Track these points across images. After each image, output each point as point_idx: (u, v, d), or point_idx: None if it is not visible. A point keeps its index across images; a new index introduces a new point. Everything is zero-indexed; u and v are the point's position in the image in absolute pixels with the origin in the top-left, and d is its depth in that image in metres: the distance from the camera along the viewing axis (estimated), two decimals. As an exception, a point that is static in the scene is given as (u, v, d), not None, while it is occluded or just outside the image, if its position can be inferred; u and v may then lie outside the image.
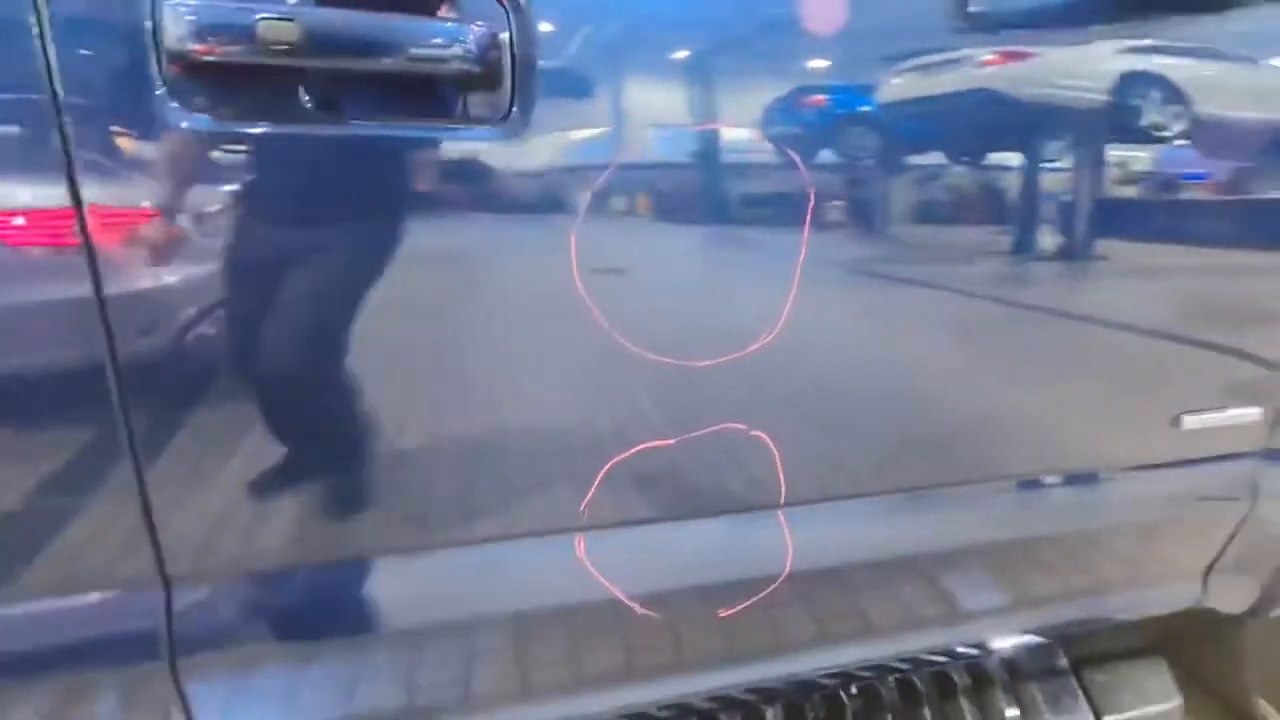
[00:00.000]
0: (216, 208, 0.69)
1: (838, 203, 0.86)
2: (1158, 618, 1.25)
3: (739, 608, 0.99)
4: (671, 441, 0.89)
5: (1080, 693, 1.21)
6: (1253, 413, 1.10)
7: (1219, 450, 1.12)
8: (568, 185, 0.78)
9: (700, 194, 0.83)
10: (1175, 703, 1.22)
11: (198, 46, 0.63)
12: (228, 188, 0.69)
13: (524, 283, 0.79)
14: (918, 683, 1.19)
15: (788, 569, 0.98)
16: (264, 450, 0.75)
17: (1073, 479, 1.11)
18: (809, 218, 0.83)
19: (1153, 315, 1.02)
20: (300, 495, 0.78)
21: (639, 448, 0.88)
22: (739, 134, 0.81)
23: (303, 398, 0.76)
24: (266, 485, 0.76)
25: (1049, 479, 1.09)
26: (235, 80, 0.67)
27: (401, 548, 0.84)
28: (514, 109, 0.73)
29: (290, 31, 0.64)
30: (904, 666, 1.21)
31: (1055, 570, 1.14)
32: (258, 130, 0.68)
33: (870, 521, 1.03)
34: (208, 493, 0.74)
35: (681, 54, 0.81)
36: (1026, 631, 1.20)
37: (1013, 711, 1.18)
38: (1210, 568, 1.22)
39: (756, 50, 0.82)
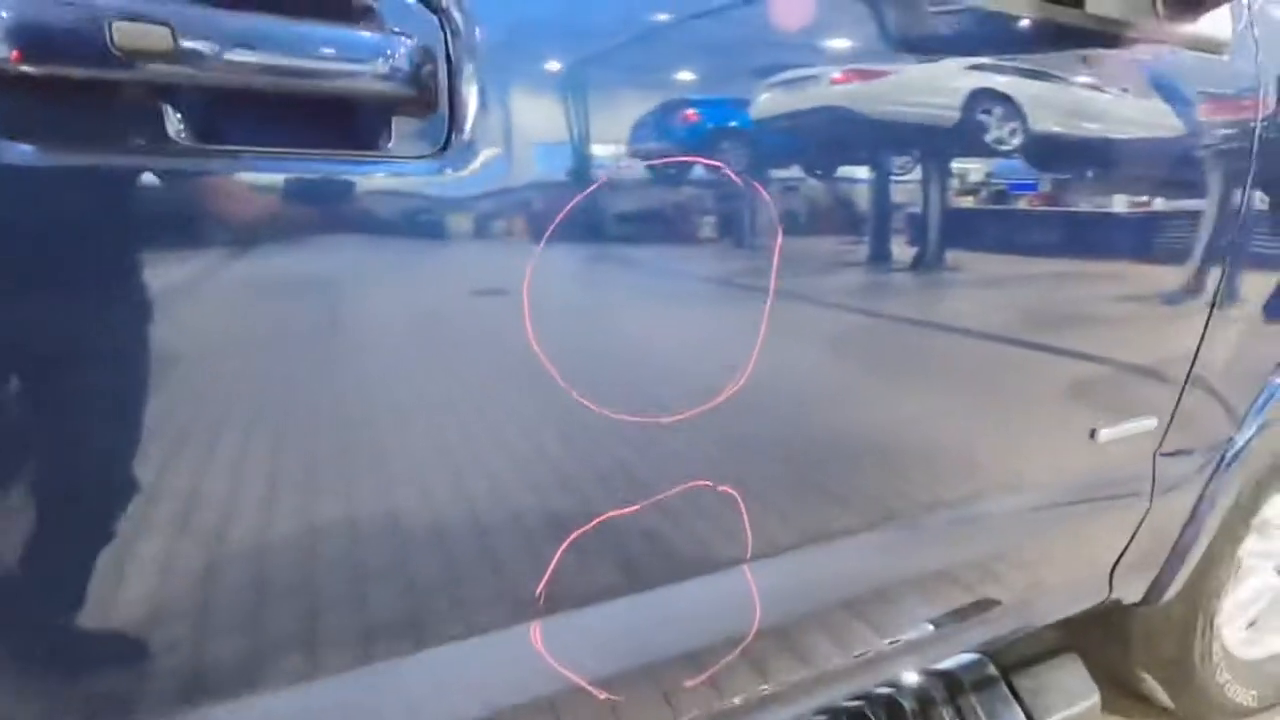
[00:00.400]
0: (32, 257, 0.50)
1: (806, 236, 0.81)
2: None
3: (706, 674, 0.91)
4: (636, 508, 0.79)
5: (1014, 700, 1.23)
6: (1151, 422, 1.18)
7: (1127, 457, 1.18)
8: (518, 227, 0.66)
9: (674, 231, 0.74)
10: (1094, 699, 1.28)
11: (18, 54, 0.46)
12: (59, 236, 0.51)
13: (467, 345, 0.67)
14: (870, 715, 1.17)
15: (755, 625, 0.92)
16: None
17: (1005, 497, 1.12)
18: (777, 254, 0.77)
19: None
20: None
21: (600, 518, 0.77)
22: (709, 166, 0.73)
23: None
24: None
25: (986, 500, 1.10)
26: (77, 99, 0.49)
27: (304, 674, 0.67)
28: (452, 137, 0.61)
29: (159, 39, 0.48)
30: (856, 703, 1.18)
31: (993, 587, 1.16)
32: (105, 163, 0.51)
33: (830, 564, 0.99)
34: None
35: (652, 74, 0.71)
36: (966, 650, 1.21)
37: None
38: (1115, 565, 1.30)
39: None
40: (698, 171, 0.73)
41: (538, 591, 0.76)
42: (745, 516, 0.86)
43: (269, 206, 0.57)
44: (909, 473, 1.00)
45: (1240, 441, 1.30)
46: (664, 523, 0.82)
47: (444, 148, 0.61)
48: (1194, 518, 1.34)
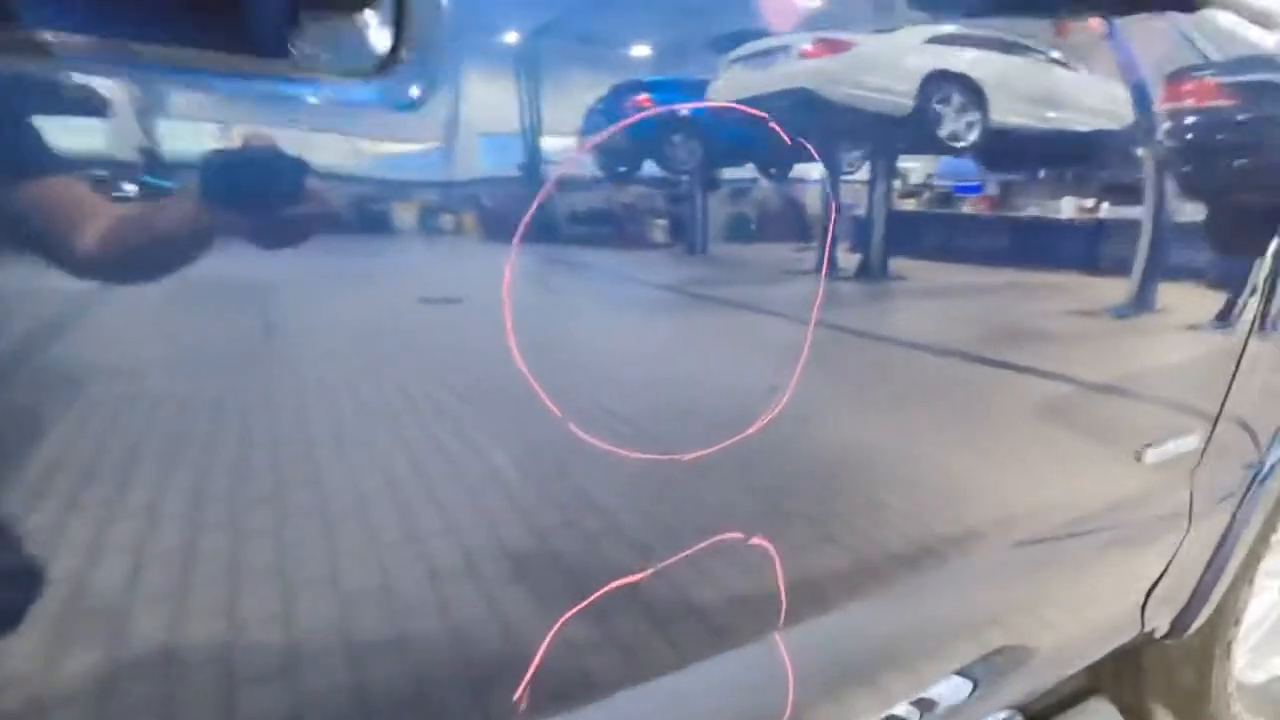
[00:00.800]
0: None
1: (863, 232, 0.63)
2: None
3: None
4: (646, 573, 0.60)
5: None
6: (1193, 441, 1.05)
7: (1169, 479, 1.05)
8: (497, 188, 0.46)
9: (700, 202, 0.55)
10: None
11: None
12: None
13: (418, 354, 0.46)
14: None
15: (789, 705, 0.73)
16: None
17: (1055, 529, 0.97)
18: (828, 245, 0.59)
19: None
20: None
21: (600, 592, 0.57)
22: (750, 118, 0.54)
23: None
24: None
25: (1037, 531, 0.94)
26: None
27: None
28: (400, 52, 0.40)
29: None
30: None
31: (1033, 631, 1.00)
32: None
33: (868, 620, 0.81)
34: None
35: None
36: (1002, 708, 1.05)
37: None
38: (1148, 596, 1.17)
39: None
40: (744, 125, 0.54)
41: (517, 695, 0.56)
42: (780, 573, 0.68)
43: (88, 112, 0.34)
44: (960, 504, 0.83)
45: (1270, 461, 1.19)
46: (682, 589, 0.63)
47: (384, 65, 0.40)
48: (1225, 541, 1.22)
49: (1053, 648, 1.03)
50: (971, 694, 0.93)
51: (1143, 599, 1.17)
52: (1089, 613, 1.11)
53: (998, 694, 0.98)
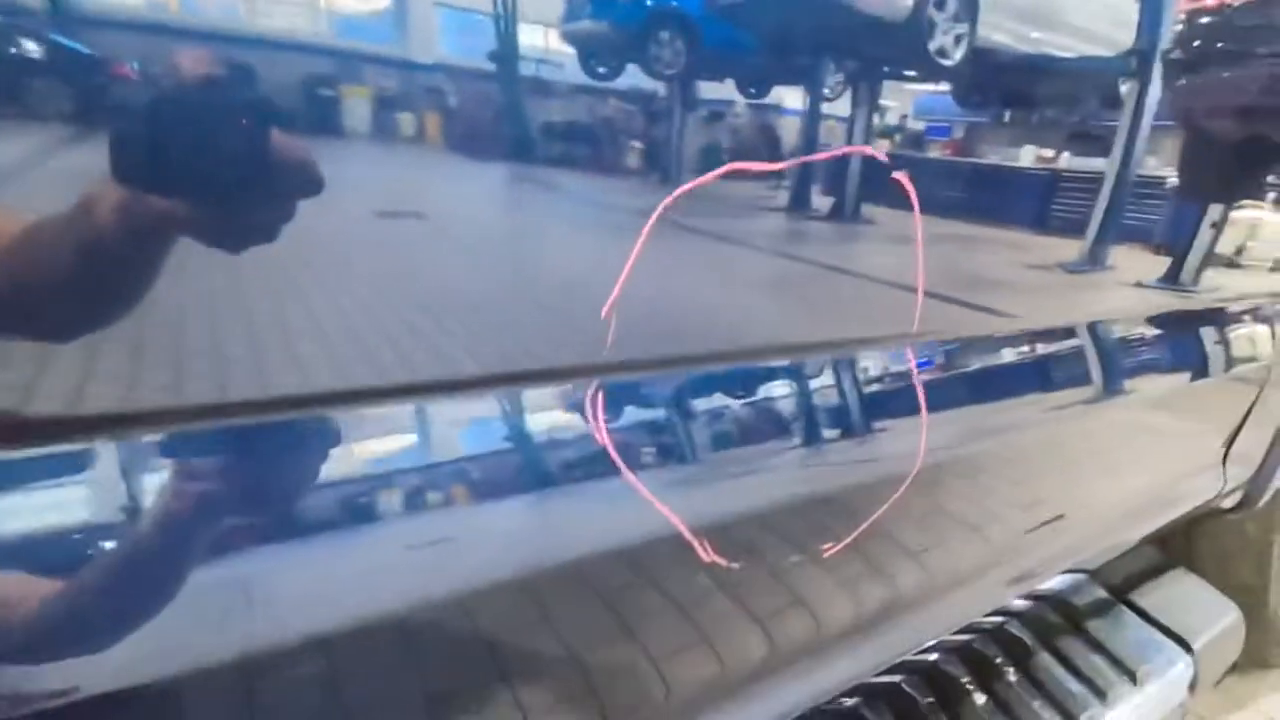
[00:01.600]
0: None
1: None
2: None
3: None
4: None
5: (1144, 621, 0.95)
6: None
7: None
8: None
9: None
10: (1234, 613, 1.02)
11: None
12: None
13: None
14: (990, 655, 0.84)
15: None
16: None
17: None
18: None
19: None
20: None
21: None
22: None
23: None
24: None
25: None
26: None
27: None
28: None
29: None
30: (965, 637, 0.86)
31: (1116, 486, 0.87)
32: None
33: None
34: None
35: None
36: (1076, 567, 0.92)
37: (1100, 660, 0.88)
38: (1228, 449, 1.06)
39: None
40: None
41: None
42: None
43: None
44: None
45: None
46: None
47: None
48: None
49: (1141, 503, 0.91)
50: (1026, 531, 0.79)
51: (1224, 452, 1.06)
52: (1175, 463, 1.00)
53: (1061, 541, 0.85)
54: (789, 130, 0.41)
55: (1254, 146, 0.81)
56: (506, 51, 0.31)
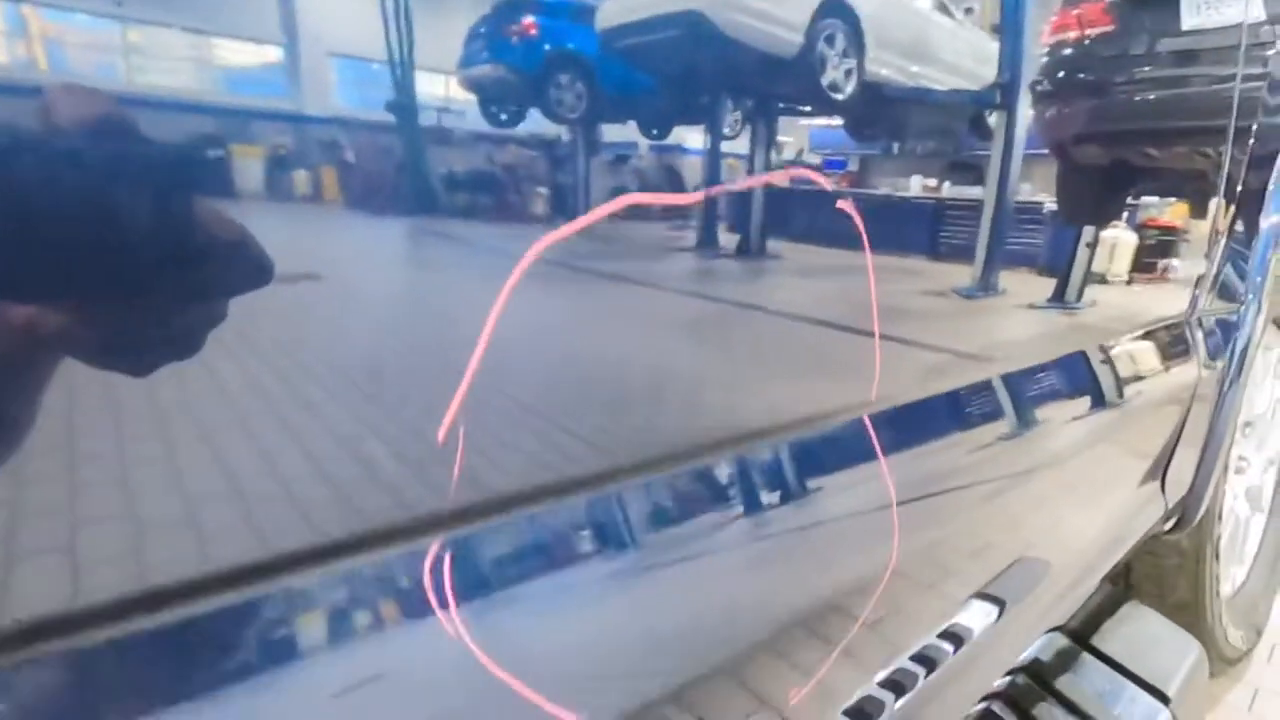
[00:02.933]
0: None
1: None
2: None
3: None
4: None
5: (1114, 670, 0.87)
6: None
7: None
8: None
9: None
10: (1196, 649, 0.96)
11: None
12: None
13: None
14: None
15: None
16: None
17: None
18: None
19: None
20: None
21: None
22: None
23: None
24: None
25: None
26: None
27: None
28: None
29: None
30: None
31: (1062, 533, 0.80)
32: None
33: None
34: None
35: None
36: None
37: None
38: (1165, 474, 1.02)
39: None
40: None
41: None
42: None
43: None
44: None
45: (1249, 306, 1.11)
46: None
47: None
48: (1217, 410, 1.11)
49: (1087, 544, 0.84)
50: (1000, 615, 0.70)
51: (1161, 474, 1.02)
52: (1118, 495, 0.94)
53: (1034, 609, 0.76)
54: (692, 169, 0.39)
55: (1117, 170, 0.83)
56: (405, 101, 0.29)
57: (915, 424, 0.59)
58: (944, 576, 0.62)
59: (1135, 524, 0.99)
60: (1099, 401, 0.86)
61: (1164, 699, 0.85)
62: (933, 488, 0.60)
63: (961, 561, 0.64)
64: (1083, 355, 0.82)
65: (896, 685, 0.56)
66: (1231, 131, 1.04)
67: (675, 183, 0.39)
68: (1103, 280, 0.86)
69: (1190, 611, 1.31)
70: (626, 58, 0.37)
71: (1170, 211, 0.98)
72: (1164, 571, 1.30)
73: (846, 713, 0.52)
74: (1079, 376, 0.82)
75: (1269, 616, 1.73)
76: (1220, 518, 1.33)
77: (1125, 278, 0.89)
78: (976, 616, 0.65)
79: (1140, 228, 0.91)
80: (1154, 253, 0.94)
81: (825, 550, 0.49)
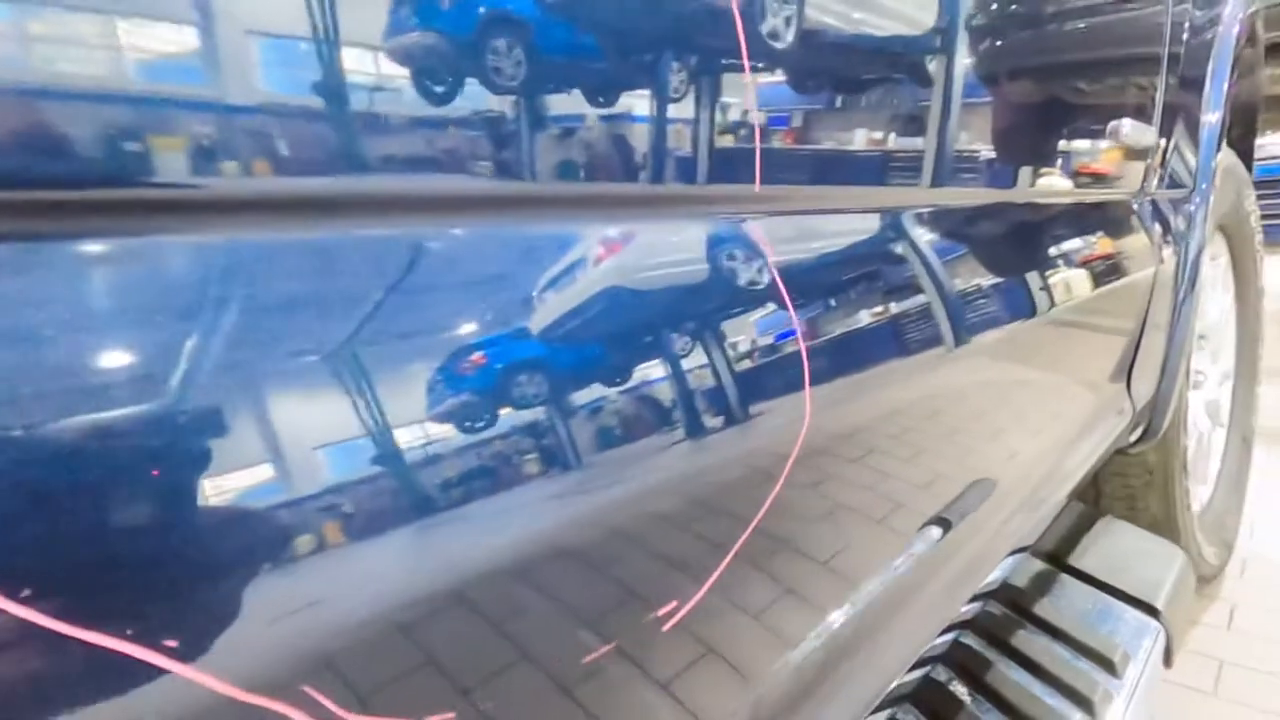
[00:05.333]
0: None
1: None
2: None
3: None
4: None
5: (1095, 587, 0.79)
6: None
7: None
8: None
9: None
10: (1180, 556, 0.88)
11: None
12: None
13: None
14: (946, 683, 0.64)
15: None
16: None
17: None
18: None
19: None
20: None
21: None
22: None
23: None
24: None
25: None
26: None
27: None
28: None
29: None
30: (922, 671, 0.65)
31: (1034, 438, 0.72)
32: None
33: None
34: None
35: None
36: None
37: (1067, 654, 0.70)
38: (1130, 378, 0.94)
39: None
40: None
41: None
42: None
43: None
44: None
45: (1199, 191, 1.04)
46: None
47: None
48: (1178, 308, 1.04)
49: (1053, 453, 0.76)
50: (944, 534, 0.61)
51: (1126, 377, 0.95)
52: (1085, 399, 0.86)
53: (992, 526, 0.67)
54: (639, 135, 0.35)
55: (1050, 110, 0.76)
56: (333, 80, 0.24)
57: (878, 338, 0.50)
58: (892, 500, 0.53)
59: (1103, 431, 0.91)
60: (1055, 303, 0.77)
61: (1154, 612, 0.77)
62: (883, 403, 0.51)
63: (911, 481, 0.54)
64: (1037, 255, 0.73)
65: (847, 618, 0.47)
66: (1165, 58, 0.98)
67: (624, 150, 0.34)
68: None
69: (1164, 530, 1.25)
70: (565, 15, 0.33)
71: (1103, 157, 0.91)
72: (1134, 491, 1.24)
73: (809, 650, 0.42)
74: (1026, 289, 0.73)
75: (1238, 532, 1.70)
76: (1185, 431, 1.28)
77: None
78: (925, 539, 0.56)
79: (1074, 174, 0.83)
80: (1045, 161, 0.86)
81: (763, 473, 0.40)
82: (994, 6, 0.67)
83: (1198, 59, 1.08)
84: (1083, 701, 0.64)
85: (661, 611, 0.35)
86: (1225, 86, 1.16)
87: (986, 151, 0.65)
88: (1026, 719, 0.62)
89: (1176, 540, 1.25)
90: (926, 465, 0.56)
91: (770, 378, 0.41)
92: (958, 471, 0.61)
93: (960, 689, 0.63)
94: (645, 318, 0.36)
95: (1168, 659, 0.76)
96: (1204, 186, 1.09)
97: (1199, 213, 1.09)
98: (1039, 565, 0.85)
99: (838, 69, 0.50)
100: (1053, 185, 0.77)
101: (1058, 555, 0.86)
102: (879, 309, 0.50)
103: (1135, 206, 0.95)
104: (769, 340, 0.41)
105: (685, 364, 0.36)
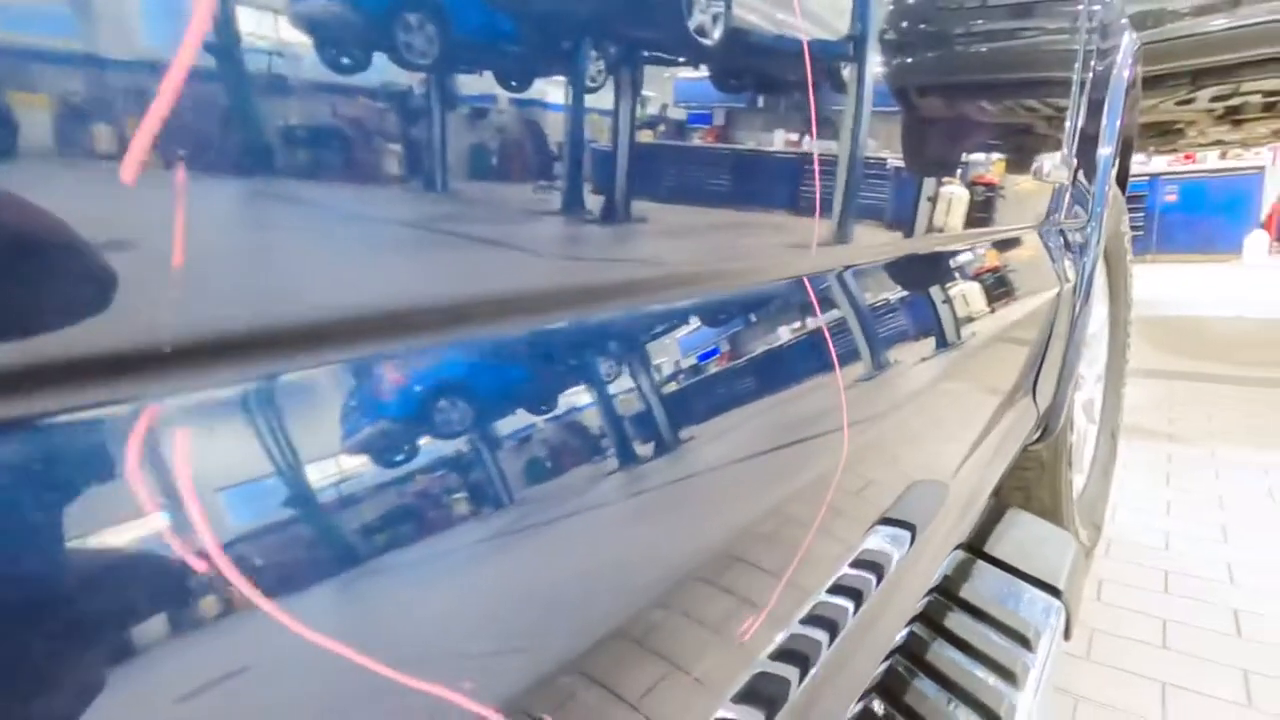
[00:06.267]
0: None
1: None
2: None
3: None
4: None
5: (1011, 573, 0.89)
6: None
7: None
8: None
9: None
10: (1072, 541, 1.01)
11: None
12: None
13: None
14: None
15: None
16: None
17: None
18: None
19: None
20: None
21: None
22: None
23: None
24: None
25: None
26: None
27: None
28: None
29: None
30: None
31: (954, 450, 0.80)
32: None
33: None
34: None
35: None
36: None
37: (993, 634, 0.79)
38: (1035, 386, 1.06)
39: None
40: None
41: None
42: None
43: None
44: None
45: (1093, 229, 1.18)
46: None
47: None
48: (1074, 319, 1.17)
49: (981, 460, 0.85)
50: (913, 541, 0.68)
51: (1032, 387, 1.06)
52: (1005, 410, 0.96)
53: (943, 529, 0.75)
54: (555, 125, 0.33)
55: (954, 124, 0.83)
56: (228, 42, 0.21)
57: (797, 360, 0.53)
58: (855, 510, 0.58)
59: (1017, 434, 1.02)
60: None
61: (1055, 592, 0.88)
62: (837, 420, 0.55)
63: (877, 490, 0.60)
64: (954, 282, 0.81)
65: (825, 621, 0.52)
66: (1076, 82, 1.09)
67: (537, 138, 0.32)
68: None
69: (1052, 516, 1.40)
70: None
71: (993, 169, 0.99)
72: (1029, 483, 1.39)
73: (781, 647, 0.46)
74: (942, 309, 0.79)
75: (1104, 516, 1.92)
76: (1071, 429, 1.44)
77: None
78: (892, 544, 0.62)
79: (971, 184, 0.91)
80: (981, 207, 0.95)
81: (722, 494, 0.42)
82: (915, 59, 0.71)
83: (1099, 99, 1.21)
84: (1007, 674, 0.73)
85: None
86: (1119, 121, 1.30)
87: (910, 206, 0.70)
88: (964, 693, 0.70)
89: (1060, 525, 1.41)
90: (895, 483, 0.62)
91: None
92: (923, 484, 0.67)
93: (909, 671, 0.70)
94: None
95: (1067, 633, 0.87)
96: (1099, 212, 1.23)
97: (1094, 236, 1.23)
98: (963, 556, 0.95)
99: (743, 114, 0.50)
100: (977, 226, 0.84)
101: (976, 545, 0.96)
102: (831, 351, 0.54)
103: (1046, 235, 1.06)
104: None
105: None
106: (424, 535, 0.26)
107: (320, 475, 0.24)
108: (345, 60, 0.25)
